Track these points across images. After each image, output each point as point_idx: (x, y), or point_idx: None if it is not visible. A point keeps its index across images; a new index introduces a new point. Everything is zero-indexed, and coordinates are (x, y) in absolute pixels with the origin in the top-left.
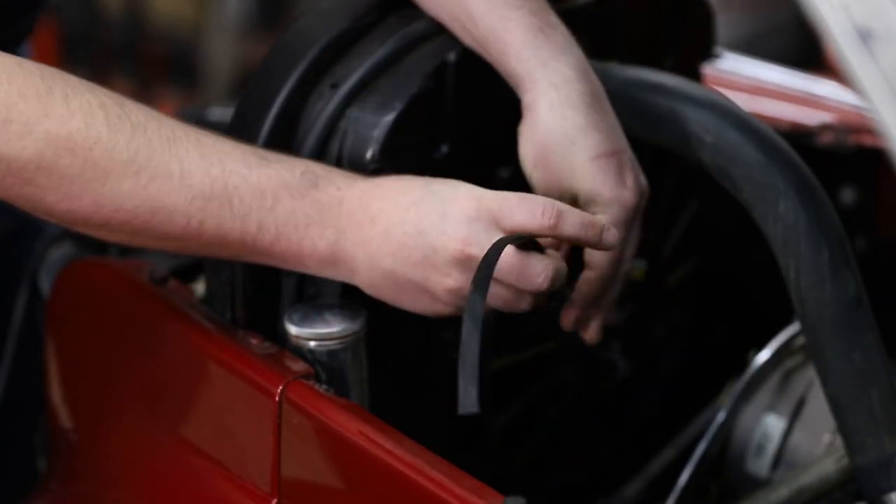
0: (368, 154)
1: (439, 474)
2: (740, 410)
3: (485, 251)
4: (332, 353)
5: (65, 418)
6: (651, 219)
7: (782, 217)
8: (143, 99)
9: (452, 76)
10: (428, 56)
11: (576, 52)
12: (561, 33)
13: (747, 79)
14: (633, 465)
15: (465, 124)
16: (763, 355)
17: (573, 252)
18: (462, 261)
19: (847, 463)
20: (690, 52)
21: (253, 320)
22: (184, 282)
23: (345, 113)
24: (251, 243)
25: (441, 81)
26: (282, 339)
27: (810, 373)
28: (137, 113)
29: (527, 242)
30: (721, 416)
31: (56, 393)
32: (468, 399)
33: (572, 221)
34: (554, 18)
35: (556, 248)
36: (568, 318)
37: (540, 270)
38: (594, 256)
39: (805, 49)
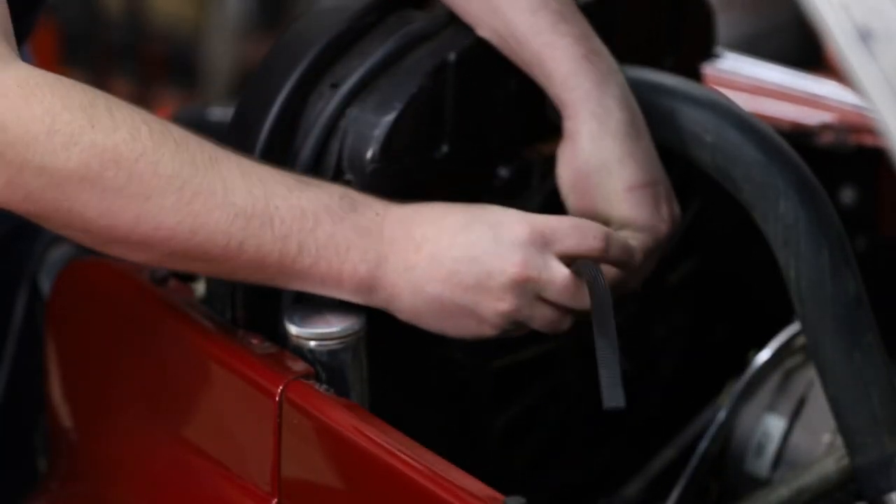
0: (368, 154)
1: (439, 474)
2: (740, 410)
3: (540, 273)
4: (332, 353)
5: (65, 418)
6: None
7: (782, 217)
8: (143, 99)
9: (452, 76)
10: (428, 56)
11: (618, 80)
12: (605, 60)
13: (747, 79)
14: (633, 465)
15: (465, 124)
16: (763, 355)
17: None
18: (519, 283)
19: (847, 463)
20: (691, 52)
21: (253, 320)
22: (184, 282)
23: (345, 112)
24: (290, 265)
25: (441, 81)
26: (282, 339)
27: (810, 373)
28: (178, 131)
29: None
30: (721, 416)
31: (56, 393)
32: (615, 394)
33: (617, 245)
34: (598, 44)
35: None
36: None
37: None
38: (610, 273)
39: (805, 49)
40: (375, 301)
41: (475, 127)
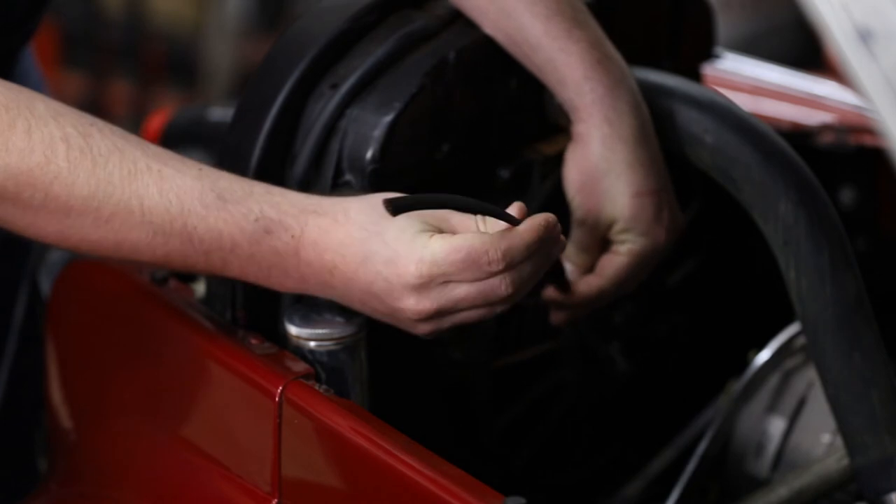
0: (368, 154)
1: (439, 474)
2: (740, 410)
3: (441, 304)
4: (331, 354)
5: (65, 418)
6: None
7: (782, 217)
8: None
9: (452, 75)
10: (428, 56)
11: (630, 85)
12: (617, 65)
13: (747, 79)
14: (634, 465)
15: (465, 124)
16: (763, 355)
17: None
18: (424, 315)
19: (847, 463)
20: (691, 53)
21: (253, 320)
22: (184, 282)
23: (345, 112)
24: (220, 273)
25: (441, 81)
26: (282, 339)
27: (810, 373)
28: (102, 143)
29: None
30: (721, 416)
31: (56, 393)
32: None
33: (520, 252)
34: (611, 50)
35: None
36: (557, 318)
37: (499, 284)
38: (607, 268)
39: (805, 49)
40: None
41: (475, 126)
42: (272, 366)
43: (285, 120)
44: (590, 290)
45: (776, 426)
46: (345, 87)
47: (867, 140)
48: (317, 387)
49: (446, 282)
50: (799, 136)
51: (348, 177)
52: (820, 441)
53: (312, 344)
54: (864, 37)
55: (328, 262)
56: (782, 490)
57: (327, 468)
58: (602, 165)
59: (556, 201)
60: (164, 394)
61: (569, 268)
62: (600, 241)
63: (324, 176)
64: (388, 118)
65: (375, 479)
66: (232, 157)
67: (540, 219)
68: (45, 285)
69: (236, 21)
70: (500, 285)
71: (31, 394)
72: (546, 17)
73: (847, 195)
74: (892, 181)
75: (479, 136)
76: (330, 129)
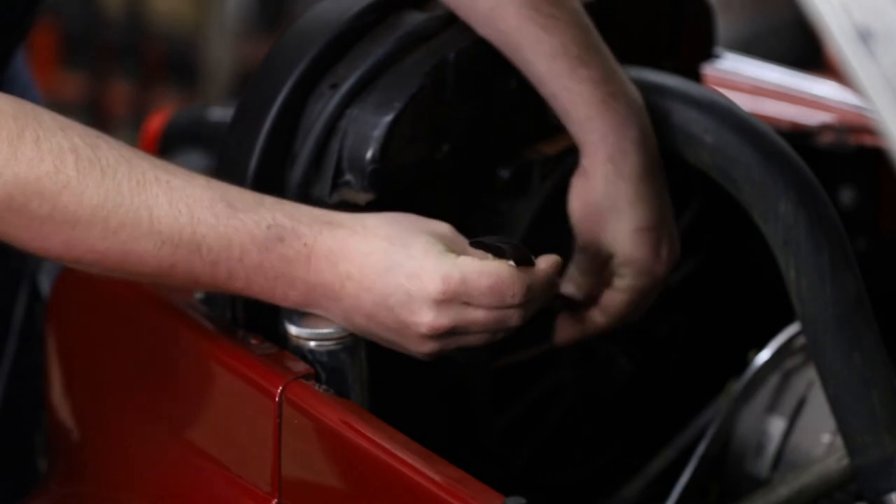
0: (368, 154)
1: (439, 474)
2: (740, 410)
3: (455, 324)
4: (331, 354)
5: (65, 418)
6: None
7: (782, 217)
8: (143, 99)
9: (452, 75)
10: (428, 56)
11: (638, 121)
12: (624, 103)
13: (747, 79)
14: (634, 465)
15: (465, 124)
16: (763, 355)
17: None
18: (433, 336)
19: (847, 463)
20: (690, 53)
21: (253, 320)
22: None
23: (345, 112)
24: (223, 285)
25: (441, 81)
26: (282, 339)
27: (810, 373)
28: (109, 154)
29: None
30: (721, 416)
31: (56, 393)
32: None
33: (539, 291)
34: (618, 86)
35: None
36: (562, 339)
37: (512, 314)
38: (609, 306)
39: (805, 49)
40: (314, 312)
41: (475, 126)
42: (272, 366)
43: (285, 120)
44: (595, 326)
45: (776, 426)
46: (345, 87)
47: (867, 140)
48: (317, 387)
49: (466, 303)
50: (799, 136)
51: (348, 177)
52: (820, 441)
53: (312, 344)
54: (864, 37)
55: (341, 272)
56: (782, 490)
57: (327, 468)
58: (604, 202)
59: (555, 201)
60: (163, 394)
61: (572, 288)
62: (602, 268)
63: (324, 176)
64: (388, 118)
65: (375, 479)
66: (232, 157)
67: (553, 259)
68: (45, 285)
69: (236, 21)
70: (511, 317)
71: (31, 394)
72: (550, 56)
73: (847, 195)
74: (892, 181)
75: (479, 136)
76: (330, 129)
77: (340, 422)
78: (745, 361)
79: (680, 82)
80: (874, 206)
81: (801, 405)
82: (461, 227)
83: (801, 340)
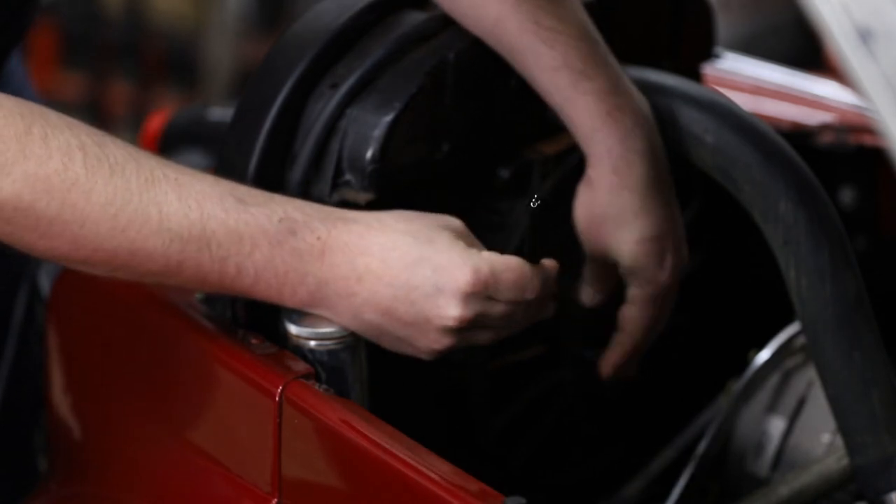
0: (368, 154)
1: (439, 474)
2: (740, 410)
3: (477, 317)
4: (332, 353)
5: (65, 418)
6: None
7: (782, 217)
8: (143, 99)
9: (452, 75)
10: (428, 56)
11: (645, 130)
12: (630, 115)
13: (747, 79)
14: (634, 465)
15: (465, 124)
16: (763, 355)
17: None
18: (455, 330)
19: (847, 463)
20: (691, 52)
21: (253, 320)
22: None
23: (345, 112)
24: (230, 284)
25: (441, 81)
26: (282, 338)
27: (810, 373)
28: (117, 152)
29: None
30: (721, 416)
31: (56, 393)
32: None
33: (549, 284)
34: (623, 99)
35: None
36: (603, 371)
37: (524, 312)
38: (627, 320)
39: (805, 49)
40: (318, 312)
41: (475, 126)
42: (272, 366)
43: (285, 120)
44: (624, 347)
45: (776, 426)
46: (345, 87)
47: (867, 140)
48: (317, 387)
49: (490, 297)
50: (799, 136)
51: (348, 177)
52: (820, 441)
53: (312, 344)
54: (864, 37)
55: (359, 266)
56: (782, 490)
57: (327, 468)
58: (608, 211)
59: (555, 201)
60: (163, 394)
61: (583, 296)
62: (610, 277)
63: (324, 176)
64: (388, 118)
65: (375, 478)
66: (232, 157)
67: (553, 263)
68: (45, 285)
69: (236, 21)
70: (522, 314)
71: (31, 394)
72: (553, 70)
73: (847, 195)
74: (892, 181)
75: (478, 136)
76: (330, 129)
77: (340, 422)
78: (745, 361)
79: (680, 82)
80: (874, 206)
81: (801, 405)
82: None
83: (801, 340)
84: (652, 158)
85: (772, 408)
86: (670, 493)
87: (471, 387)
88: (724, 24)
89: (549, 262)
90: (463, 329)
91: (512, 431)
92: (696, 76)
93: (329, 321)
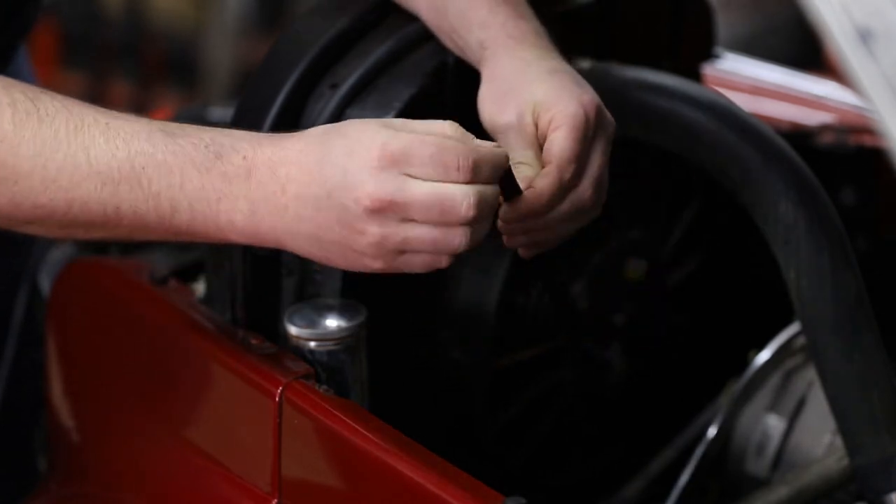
0: None
1: (440, 475)
2: (740, 410)
3: (394, 197)
4: (331, 354)
5: (65, 418)
6: (651, 219)
7: (782, 217)
8: (143, 99)
9: (452, 76)
10: (428, 56)
11: (534, 23)
12: (523, 5)
13: (747, 79)
14: (634, 465)
15: (464, 124)
16: (763, 355)
17: None
18: (376, 212)
19: (847, 463)
20: (691, 53)
21: (253, 320)
22: (184, 282)
23: (345, 113)
24: (170, 224)
25: (440, 81)
26: (282, 339)
27: (810, 373)
28: (50, 105)
29: None
30: (721, 416)
31: (56, 393)
32: None
33: (488, 168)
34: (530, 18)
35: None
36: (504, 229)
37: (461, 198)
38: (551, 151)
39: (805, 49)
40: (269, 244)
41: (475, 127)
42: (272, 366)
43: (285, 120)
44: (550, 183)
45: (776, 426)
46: (345, 87)
47: (867, 140)
48: (317, 387)
49: (407, 175)
50: (799, 136)
51: None
52: (820, 441)
53: (312, 344)
54: (864, 37)
55: (281, 176)
56: (782, 490)
57: (327, 468)
58: (512, 64)
59: None
60: (164, 394)
61: (521, 176)
62: (535, 136)
63: None
64: (388, 118)
65: (375, 479)
66: None
67: (504, 151)
68: (45, 285)
69: (236, 21)
70: (457, 195)
71: (31, 394)
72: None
73: (847, 195)
74: (892, 181)
75: (478, 136)
76: None
77: (340, 422)
78: (745, 361)
79: (680, 82)
80: (874, 206)
81: (801, 405)
82: None
83: (801, 340)
84: (544, 35)
85: (772, 408)
86: (670, 493)
87: (471, 387)
88: (724, 24)
89: (487, 144)
90: (386, 216)
91: (512, 431)
92: (696, 76)
93: (329, 322)
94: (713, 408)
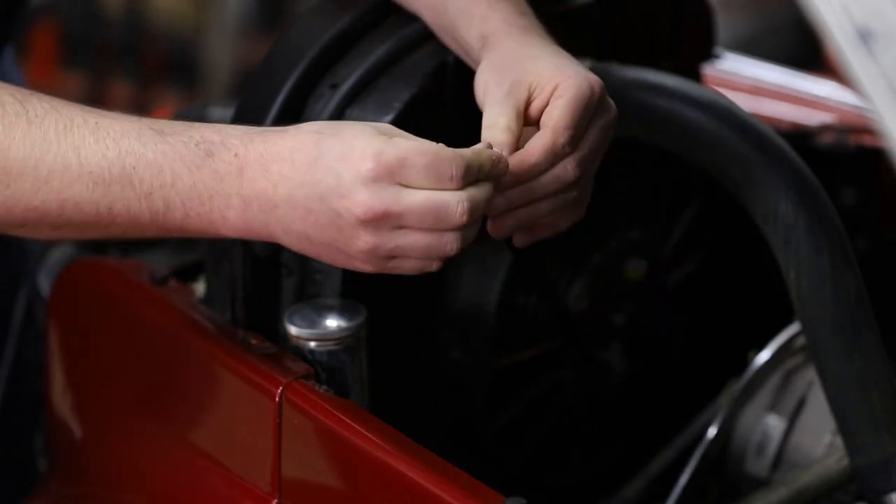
0: None
1: (439, 475)
2: (740, 410)
3: (389, 207)
4: (331, 354)
5: (65, 418)
6: (651, 219)
7: (782, 217)
8: (143, 99)
9: (452, 76)
10: (428, 56)
11: (535, 20)
12: (523, 3)
13: (747, 79)
14: (634, 465)
15: (464, 124)
16: (763, 355)
17: None
18: (368, 222)
19: (847, 463)
20: (691, 53)
21: (253, 320)
22: (184, 282)
23: (345, 113)
24: (163, 222)
25: (441, 82)
26: (282, 339)
27: (810, 373)
28: (38, 106)
29: None
30: (721, 416)
31: (56, 392)
32: None
33: (476, 171)
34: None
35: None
36: (492, 219)
37: (454, 205)
38: (549, 118)
39: (805, 49)
40: (263, 238)
41: (475, 127)
42: (272, 366)
43: (285, 120)
44: (542, 144)
45: (776, 426)
46: (345, 87)
47: (867, 140)
48: (317, 387)
49: (401, 184)
50: (799, 136)
51: None
52: (820, 441)
53: (312, 344)
54: (864, 37)
55: (273, 174)
56: (782, 490)
57: (327, 468)
58: (514, 47)
59: None
60: (163, 394)
61: (503, 136)
62: (523, 106)
63: None
64: (388, 118)
65: (375, 479)
66: None
67: (483, 146)
68: (45, 285)
69: (236, 21)
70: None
71: (31, 394)
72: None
73: (847, 195)
74: (892, 181)
75: (477, 136)
76: None
77: (340, 422)
78: (745, 361)
79: (680, 82)
80: (874, 206)
81: (801, 405)
82: None
83: (801, 340)
84: (543, 30)
85: (772, 408)
86: (670, 493)
87: (471, 387)
88: (724, 24)
89: (479, 148)
90: (379, 225)
91: (512, 431)
92: (696, 76)
93: (329, 322)
94: (713, 408)
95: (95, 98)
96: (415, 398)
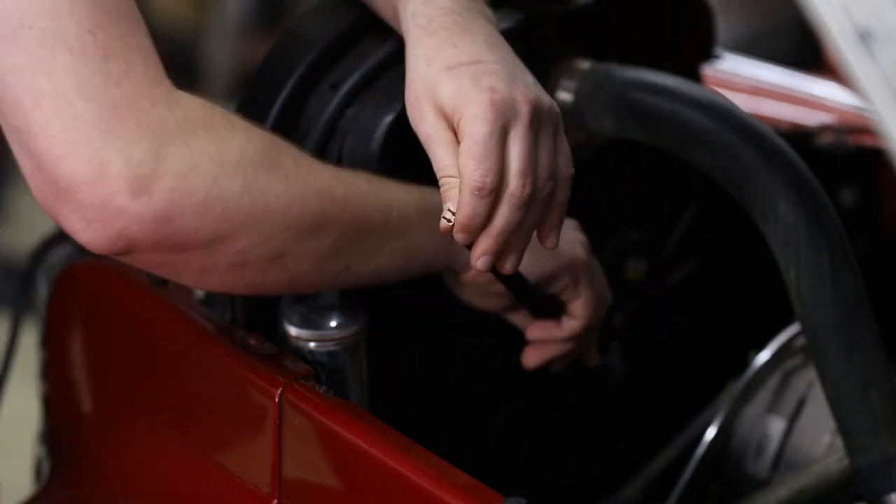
0: (368, 154)
1: (439, 475)
2: (740, 410)
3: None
4: (331, 354)
5: (65, 419)
6: (652, 219)
7: (782, 218)
8: None
9: None
10: None
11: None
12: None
13: (747, 79)
14: (634, 465)
15: None
16: (763, 355)
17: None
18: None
19: (847, 463)
20: (690, 53)
21: (253, 320)
22: None
23: (345, 113)
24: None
25: None
26: (282, 339)
27: (810, 373)
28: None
29: None
30: (721, 416)
31: (56, 393)
32: None
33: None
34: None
35: None
36: (471, 248)
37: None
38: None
39: (805, 49)
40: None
41: None
42: (272, 366)
43: (285, 120)
44: (465, 202)
45: (776, 426)
46: (345, 88)
47: (867, 140)
48: (317, 387)
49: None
50: (799, 136)
51: None
52: (820, 441)
53: (312, 344)
54: (864, 37)
55: None
56: (782, 490)
57: (327, 468)
58: (417, 68)
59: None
60: (163, 395)
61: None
62: (455, 142)
63: None
64: (388, 118)
65: (375, 479)
66: None
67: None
68: (45, 286)
69: (236, 21)
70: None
71: None
72: None
73: (847, 195)
74: (892, 181)
75: None
76: (330, 130)
77: (340, 422)
78: (745, 361)
79: (680, 82)
80: (874, 206)
81: (801, 405)
82: None
83: (801, 340)
84: (460, 8)
85: (772, 408)
86: (670, 493)
87: (472, 387)
88: (724, 24)
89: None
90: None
91: (512, 431)
92: (696, 76)
93: (329, 322)
94: (713, 408)
95: None
96: (415, 398)
